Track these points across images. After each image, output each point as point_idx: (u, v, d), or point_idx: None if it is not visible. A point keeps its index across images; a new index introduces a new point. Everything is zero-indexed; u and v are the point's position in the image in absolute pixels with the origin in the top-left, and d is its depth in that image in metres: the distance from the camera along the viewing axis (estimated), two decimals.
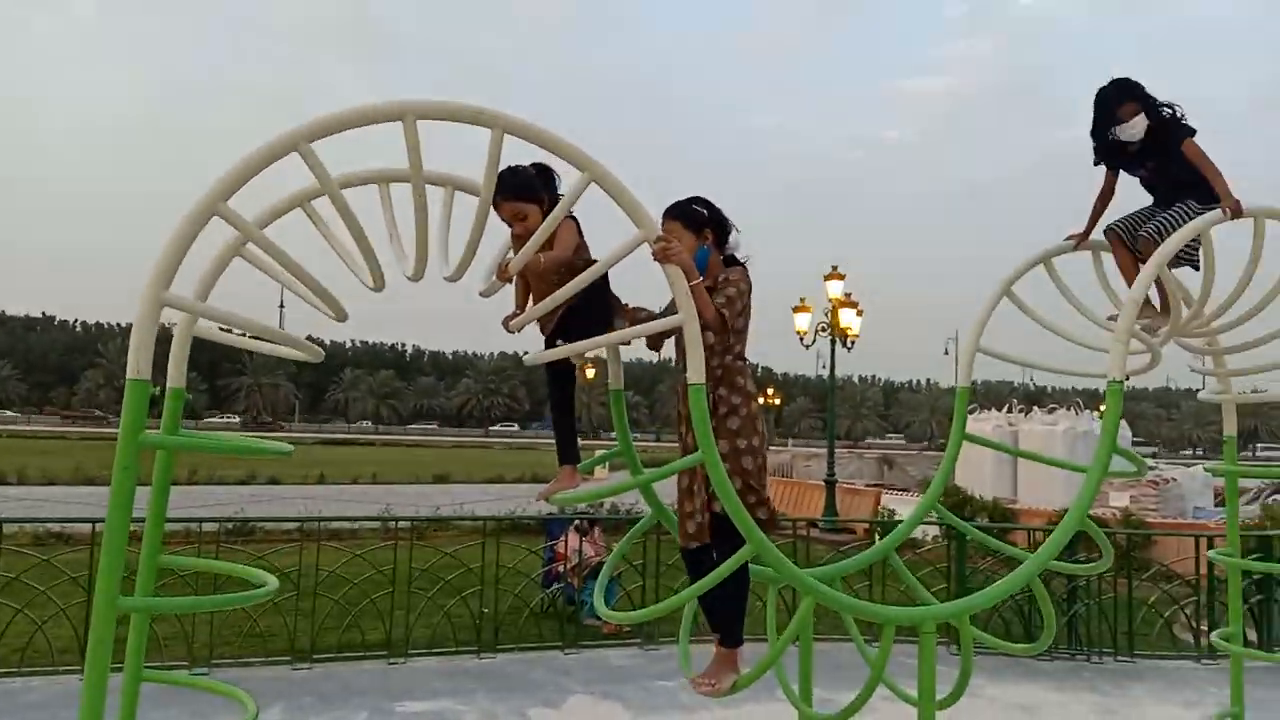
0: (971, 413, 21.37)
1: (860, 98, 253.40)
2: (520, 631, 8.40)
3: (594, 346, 3.41)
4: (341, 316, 3.06)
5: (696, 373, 3.02)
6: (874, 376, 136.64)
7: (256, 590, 2.78)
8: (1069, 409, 18.68)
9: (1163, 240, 3.84)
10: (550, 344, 3.50)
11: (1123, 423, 15.54)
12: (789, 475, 23.24)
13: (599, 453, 4.54)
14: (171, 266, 2.58)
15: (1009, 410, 19.57)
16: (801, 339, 19.10)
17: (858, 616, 3.50)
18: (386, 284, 3.10)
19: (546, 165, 3.46)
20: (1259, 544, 9.46)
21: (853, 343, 18.72)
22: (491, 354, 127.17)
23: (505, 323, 3.59)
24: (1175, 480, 17.03)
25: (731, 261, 3.67)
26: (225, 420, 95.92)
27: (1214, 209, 3.95)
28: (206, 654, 7.37)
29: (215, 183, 2.64)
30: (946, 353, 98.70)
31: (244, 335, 3.18)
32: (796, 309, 19.03)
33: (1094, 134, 4.24)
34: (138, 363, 2.51)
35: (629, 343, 3.49)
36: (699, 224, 3.54)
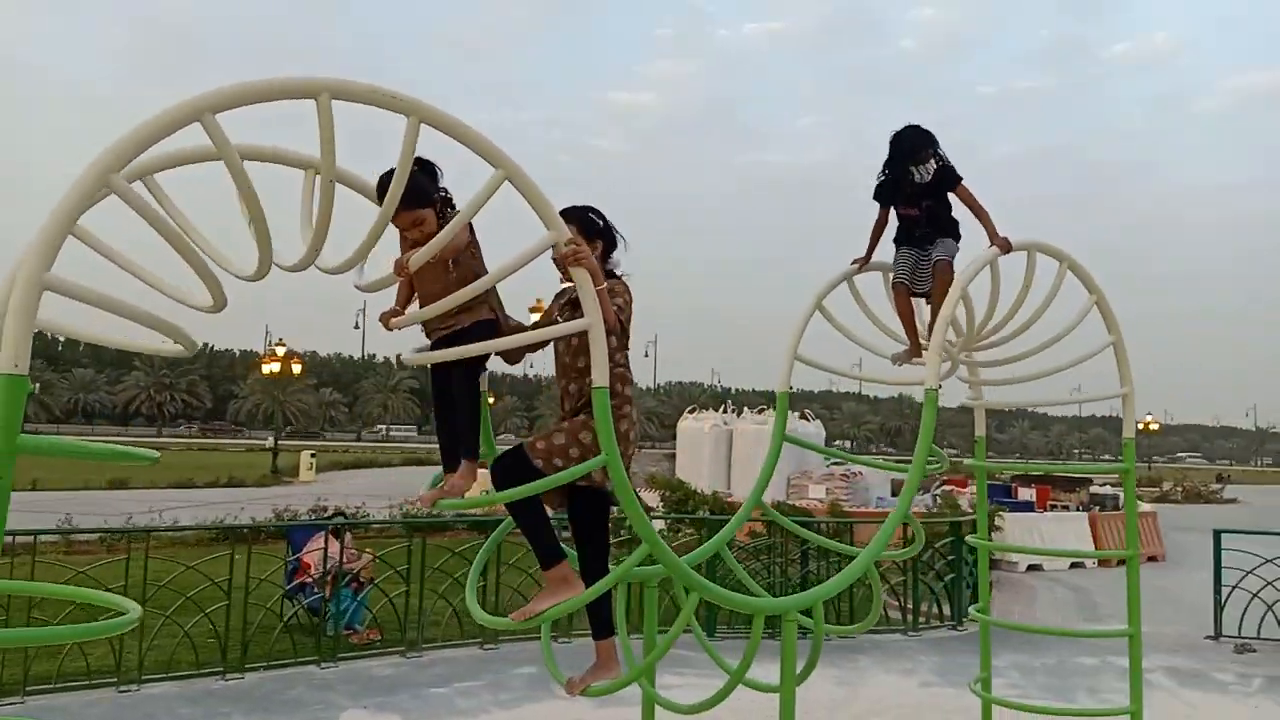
0: (691, 412, 22.74)
1: (572, 103, 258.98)
2: (271, 648, 7.81)
3: (492, 350, 3.31)
4: (221, 304, 2.75)
5: (602, 376, 3.06)
6: None
7: (118, 619, 2.43)
8: (769, 409, 20.50)
9: (953, 270, 4.47)
10: (440, 346, 3.37)
11: (818, 421, 17.14)
12: None
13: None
14: (55, 244, 2.20)
15: (724, 410, 21.07)
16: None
17: (732, 607, 3.69)
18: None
19: (429, 160, 3.34)
20: (950, 529, 10.93)
21: None
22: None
23: (384, 320, 3.40)
24: (861, 474, 19.21)
25: (610, 276, 3.72)
26: None
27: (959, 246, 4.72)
28: None
29: (105, 151, 2.30)
30: (646, 355, 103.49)
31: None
32: (532, 309, 19.15)
33: (890, 169, 4.78)
34: (16, 355, 2.13)
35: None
36: (593, 232, 3.60)
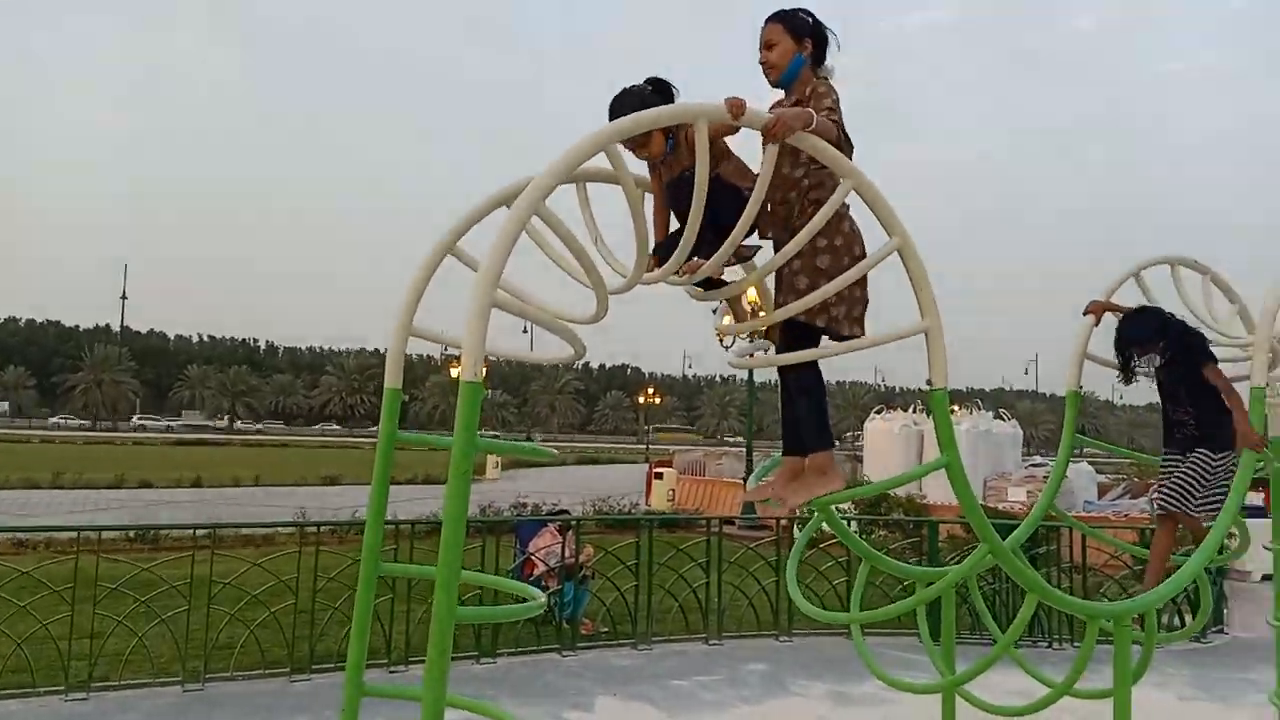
0: (878, 413, 22.34)
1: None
2: (518, 635, 8.28)
3: (841, 350, 3.27)
4: (602, 314, 2.99)
5: (941, 377, 3.10)
6: (733, 377, 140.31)
7: (531, 604, 2.72)
8: (968, 409, 19.84)
9: None
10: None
11: (1015, 421, 16.25)
12: (702, 473, 23.67)
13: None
14: (500, 267, 2.48)
15: (914, 410, 20.59)
16: (721, 340, 19.47)
17: (1069, 611, 3.67)
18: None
19: (666, 81, 3.27)
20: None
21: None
22: (350, 350, 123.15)
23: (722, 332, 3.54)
24: (1065, 477, 18.30)
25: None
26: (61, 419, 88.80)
27: None
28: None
29: (532, 187, 2.55)
30: None
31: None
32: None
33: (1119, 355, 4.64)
34: (475, 365, 2.41)
35: None
36: (801, 31, 3.32)
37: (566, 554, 9.70)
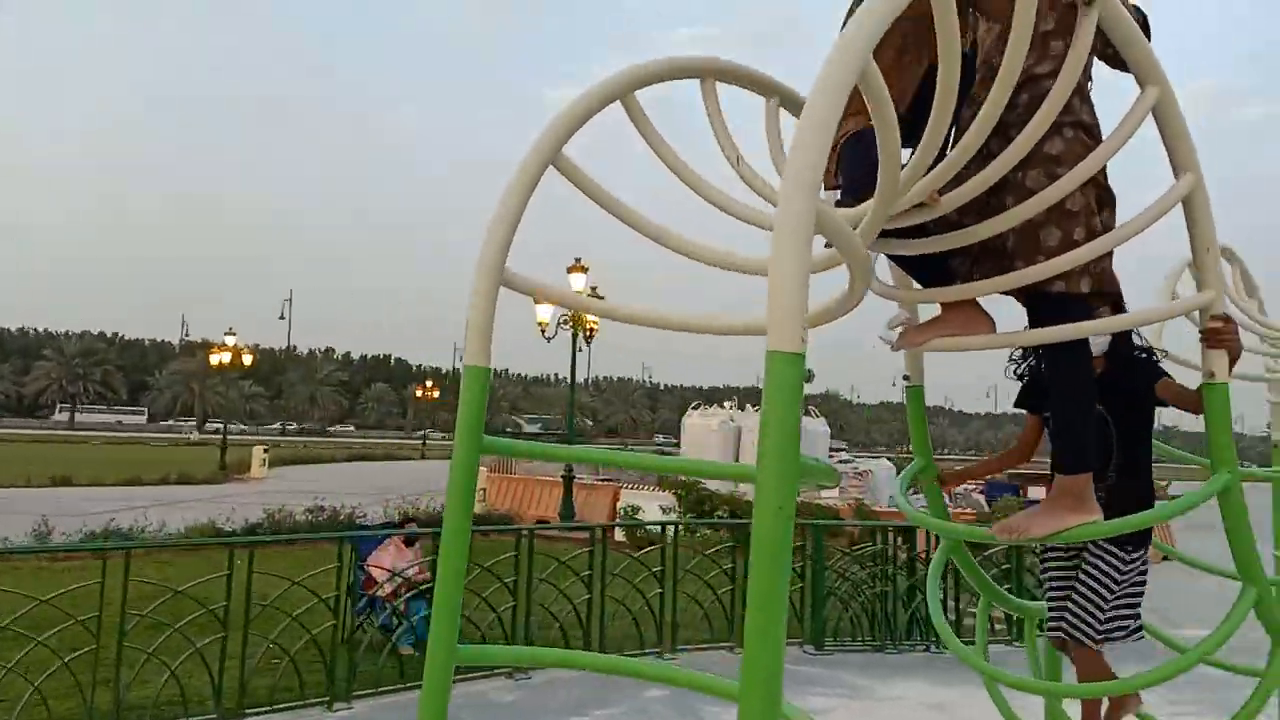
0: (695, 408, 22.08)
1: (516, 103, 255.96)
2: (379, 674, 6.91)
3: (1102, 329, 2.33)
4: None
5: (1222, 367, 2.32)
6: (507, 370, 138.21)
7: None
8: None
9: None
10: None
11: (823, 419, 16.52)
12: (511, 471, 22.35)
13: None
14: (826, 140, 1.44)
15: (730, 406, 20.54)
16: (543, 331, 18.45)
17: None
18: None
19: None
20: None
21: (592, 335, 18.53)
22: (73, 333, 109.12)
23: (910, 340, 2.52)
24: (871, 472, 18.92)
25: None
26: None
27: None
28: None
29: (862, 17, 1.53)
30: (581, 350, 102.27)
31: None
32: (538, 300, 18.28)
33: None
34: (796, 324, 1.36)
35: None
36: None
37: (414, 570, 8.35)
